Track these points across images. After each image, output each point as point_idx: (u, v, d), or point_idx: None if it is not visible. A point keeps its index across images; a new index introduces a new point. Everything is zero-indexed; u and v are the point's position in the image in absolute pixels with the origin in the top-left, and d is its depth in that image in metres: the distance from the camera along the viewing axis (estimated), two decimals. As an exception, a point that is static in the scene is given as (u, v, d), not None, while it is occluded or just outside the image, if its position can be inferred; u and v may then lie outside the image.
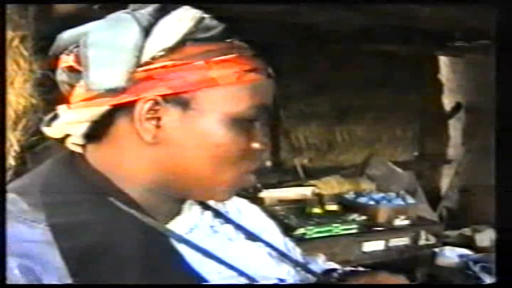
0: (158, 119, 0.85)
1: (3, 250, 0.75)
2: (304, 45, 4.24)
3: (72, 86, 0.87)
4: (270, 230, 1.15)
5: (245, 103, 0.87)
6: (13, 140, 2.40)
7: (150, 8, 0.85)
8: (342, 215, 3.73)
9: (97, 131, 0.89)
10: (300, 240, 3.30)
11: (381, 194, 3.96)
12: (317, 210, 3.78)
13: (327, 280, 1.10)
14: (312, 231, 3.41)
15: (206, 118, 0.85)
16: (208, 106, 0.85)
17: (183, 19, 0.84)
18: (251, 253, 1.03)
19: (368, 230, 3.61)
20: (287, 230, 1.17)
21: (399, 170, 4.61)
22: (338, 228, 3.48)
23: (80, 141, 0.91)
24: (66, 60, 0.87)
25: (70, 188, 0.87)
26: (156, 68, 0.83)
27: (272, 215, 1.20)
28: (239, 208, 1.12)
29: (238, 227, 1.05)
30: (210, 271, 0.91)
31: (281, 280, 1.06)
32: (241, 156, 0.89)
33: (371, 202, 3.83)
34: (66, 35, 0.88)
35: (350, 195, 4.04)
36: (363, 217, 3.68)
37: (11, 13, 1.89)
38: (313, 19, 3.46)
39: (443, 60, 5.15)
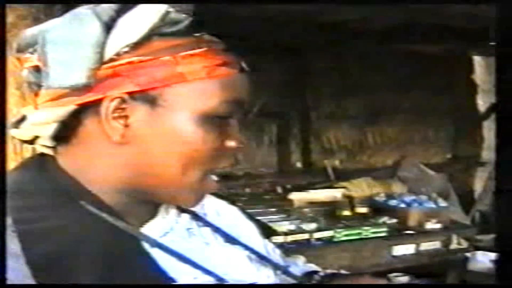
0: (126, 117, 0.81)
1: (3, 250, 0.74)
2: (335, 46, 4.21)
3: (38, 86, 0.83)
4: (249, 232, 1.10)
5: (216, 98, 0.83)
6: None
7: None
8: (372, 218, 3.72)
9: (65, 132, 0.85)
10: (328, 243, 3.29)
11: (413, 197, 3.91)
12: (347, 212, 3.77)
13: (308, 282, 1.08)
14: (341, 234, 3.39)
15: (175, 115, 0.82)
16: (177, 103, 0.81)
17: (148, 13, 0.81)
18: (229, 257, 0.99)
19: (399, 233, 3.58)
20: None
21: (431, 172, 4.55)
22: (368, 231, 3.46)
23: (49, 142, 0.88)
24: (31, 59, 0.83)
25: (38, 191, 0.84)
26: (121, 65, 0.80)
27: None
28: (218, 211, 1.07)
29: (216, 230, 1.01)
30: (185, 276, 0.87)
31: None
32: (213, 155, 0.85)
33: (402, 205, 3.79)
34: (29, 33, 0.84)
35: (381, 198, 4.00)
36: (394, 220, 3.65)
37: (37, 13, 1.90)
38: (343, 18, 3.43)
39: (477, 60, 5.06)
